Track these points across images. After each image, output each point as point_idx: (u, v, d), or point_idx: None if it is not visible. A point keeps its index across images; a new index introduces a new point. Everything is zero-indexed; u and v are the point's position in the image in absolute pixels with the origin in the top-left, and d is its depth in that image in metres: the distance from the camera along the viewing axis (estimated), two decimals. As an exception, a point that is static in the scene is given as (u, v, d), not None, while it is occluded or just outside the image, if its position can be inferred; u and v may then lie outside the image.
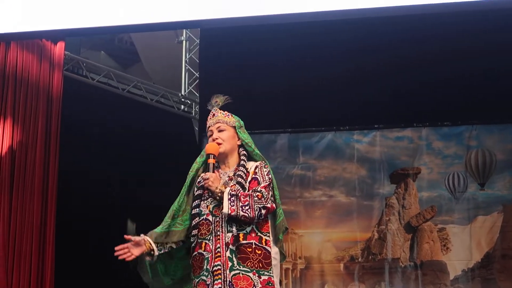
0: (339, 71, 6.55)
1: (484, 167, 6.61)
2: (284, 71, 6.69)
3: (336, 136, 6.92)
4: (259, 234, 3.35)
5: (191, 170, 3.56)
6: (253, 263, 3.28)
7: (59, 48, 5.81)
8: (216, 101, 3.58)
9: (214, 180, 3.34)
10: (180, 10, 4.26)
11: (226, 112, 3.57)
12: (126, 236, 3.36)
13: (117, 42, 9.29)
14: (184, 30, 7.90)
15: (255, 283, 3.26)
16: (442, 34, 6.32)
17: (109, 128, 6.88)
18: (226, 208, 3.27)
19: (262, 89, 6.58)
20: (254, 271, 3.28)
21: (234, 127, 3.54)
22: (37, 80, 5.61)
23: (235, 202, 3.28)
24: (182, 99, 7.89)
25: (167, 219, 3.47)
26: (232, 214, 3.27)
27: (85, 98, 6.65)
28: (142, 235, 3.42)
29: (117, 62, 9.11)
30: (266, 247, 3.35)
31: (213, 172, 3.38)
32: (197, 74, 7.70)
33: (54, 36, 5.57)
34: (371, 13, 4.05)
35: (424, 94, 6.57)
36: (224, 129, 3.51)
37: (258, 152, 3.56)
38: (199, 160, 3.57)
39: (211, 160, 3.40)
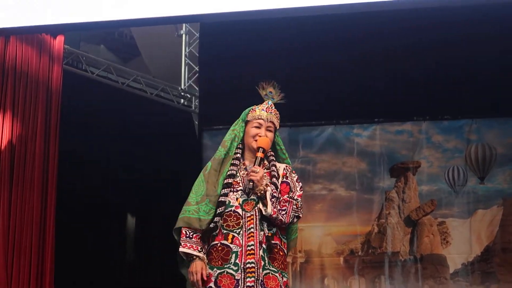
0: (339, 65, 6.54)
1: (484, 161, 6.61)
2: (284, 65, 6.66)
3: (336, 130, 6.91)
4: (280, 236, 3.38)
5: (225, 149, 3.45)
6: (279, 264, 3.32)
7: (58, 42, 5.79)
8: (271, 92, 3.56)
9: (262, 177, 3.33)
10: (180, 4, 4.25)
11: (278, 113, 3.54)
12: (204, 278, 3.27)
13: (117, 36, 9.26)
14: (184, 24, 7.87)
15: (281, 284, 3.29)
16: (443, 28, 6.31)
17: (109, 122, 6.86)
18: (269, 209, 3.28)
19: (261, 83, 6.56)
20: (280, 272, 3.31)
21: (275, 131, 3.54)
22: (37, 74, 5.59)
23: (275, 204, 3.31)
24: (182, 93, 7.87)
25: (209, 205, 3.35)
26: (273, 216, 3.29)
27: (84, 92, 6.63)
28: (202, 255, 3.31)
29: (117, 56, 9.08)
30: (285, 249, 3.40)
31: (260, 166, 3.37)
32: (196, 68, 7.68)
33: (54, 30, 5.55)
34: (375, 7, 4.04)
35: (424, 88, 6.56)
36: (272, 130, 3.50)
37: (289, 161, 3.60)
38: (229, 145, 3.47)
39: (261, 154, 3.39)
